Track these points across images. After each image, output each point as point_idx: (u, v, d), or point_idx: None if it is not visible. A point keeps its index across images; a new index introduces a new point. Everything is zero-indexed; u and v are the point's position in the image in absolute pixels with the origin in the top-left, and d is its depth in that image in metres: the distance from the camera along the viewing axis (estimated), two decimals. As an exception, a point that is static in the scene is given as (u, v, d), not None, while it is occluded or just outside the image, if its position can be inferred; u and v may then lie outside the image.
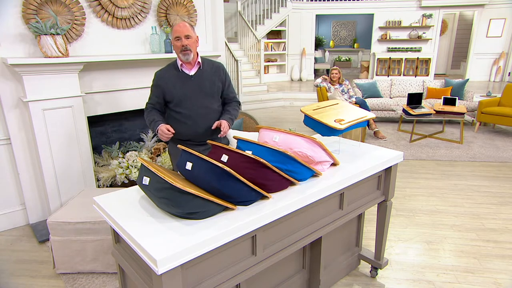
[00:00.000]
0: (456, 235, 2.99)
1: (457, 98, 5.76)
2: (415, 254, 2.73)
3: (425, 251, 2.76)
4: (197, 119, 2.30)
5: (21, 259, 2.72)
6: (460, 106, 5.75)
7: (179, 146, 1.69)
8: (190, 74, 2.29)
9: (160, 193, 1.38)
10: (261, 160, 1.51)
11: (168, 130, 2.20)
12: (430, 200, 3.62)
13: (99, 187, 3.35)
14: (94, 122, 3.59)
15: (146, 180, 1.44)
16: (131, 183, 3.35)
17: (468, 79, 6.97)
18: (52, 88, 2.90)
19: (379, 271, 2.51)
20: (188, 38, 2.19)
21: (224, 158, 1.58)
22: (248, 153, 1.58)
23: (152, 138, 3.95)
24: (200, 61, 2.31)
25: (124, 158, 3.48)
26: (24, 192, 3.10)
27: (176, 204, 1.35)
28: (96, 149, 3.68)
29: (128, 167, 3.35)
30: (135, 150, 3.71)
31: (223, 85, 2.39)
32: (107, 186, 3.37)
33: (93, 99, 3.30)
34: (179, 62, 2.28)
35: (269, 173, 1.55)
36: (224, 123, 2.26)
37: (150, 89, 2.35)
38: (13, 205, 3.16)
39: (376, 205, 2.28)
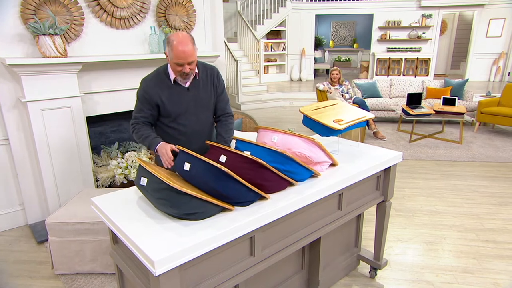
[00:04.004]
0: (456, 235, 2.98)
1: (456, 98, 5.75)
2: (415, 254, 2.73)
3: (424, 252, 2.76)
4: (192, 136, 2.10)
5: (20, 259, 2.72)
6: (459, 106, 5.75)
7: (177, 146, 1.68)
8: (186, 87, 2.04)
9: (158, 194, 1.37)
10: (259, 160, 1.50)
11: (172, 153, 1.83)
12: (430, 200, 3.62)
13: (98, 187, 3.34)
14: (93, 122, 3.58)
15: (144, 181, 1.44)
16: (130, 183, 3.34)
17: (467, 79, 6.97)
18: (51, 88, 2.90)
19: (378, 271, 2.50)
20: (191, 63, 1.90)
21: (222, 158, 1.57)
22: (247, 153, 1.57)
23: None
24: (197, 71, 2.05)
25: (123, 158, 3.47)
26: (22, 193, 3.10)
27: (173, 205, 1.35)
28: (95, 149, 3.68)
29: (127, 168, 3.35)
30: (134, 151, 3.70)
31: (216, 92, 2.16)
32: (106, 187, 3.36)
33: (92, 99, 3.29)
34: (171, 74, 2.00)
35: (267, 173, 1.55)
36: None
37: (137, 98, 2.03)
38: (12, 205, 3.15)
39: (375, 205, 2.28)
